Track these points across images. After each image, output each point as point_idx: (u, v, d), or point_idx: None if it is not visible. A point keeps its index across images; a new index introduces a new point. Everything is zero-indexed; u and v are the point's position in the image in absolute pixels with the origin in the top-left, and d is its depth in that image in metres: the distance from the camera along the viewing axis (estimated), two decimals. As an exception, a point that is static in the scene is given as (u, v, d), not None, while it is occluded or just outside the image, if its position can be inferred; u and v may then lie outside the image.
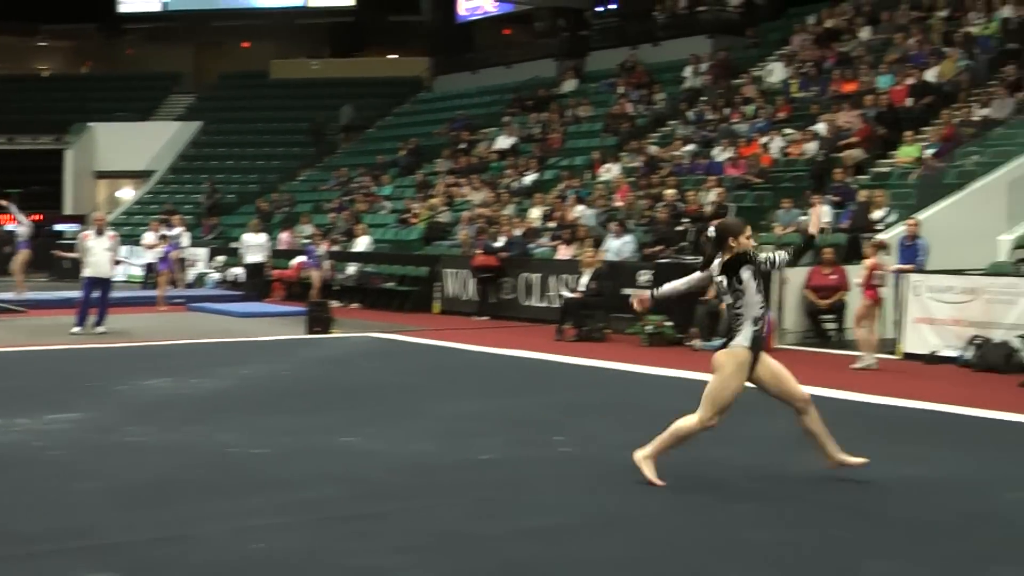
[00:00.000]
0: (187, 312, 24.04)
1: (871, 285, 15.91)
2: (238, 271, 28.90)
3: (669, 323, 18.52)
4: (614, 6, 40.83)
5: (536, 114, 35.03)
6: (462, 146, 35.14)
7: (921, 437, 10.48)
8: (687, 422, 8.29)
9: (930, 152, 22.09)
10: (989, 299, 16.08)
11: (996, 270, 17.34)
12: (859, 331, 15.93)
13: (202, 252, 31.86)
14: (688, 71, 32.68)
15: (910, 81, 25.37)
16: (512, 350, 17.27)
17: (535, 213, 26.53)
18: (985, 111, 23.10)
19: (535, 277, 22.61)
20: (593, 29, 40.21)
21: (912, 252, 17.56)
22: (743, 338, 8.14)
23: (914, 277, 16.98)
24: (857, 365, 15.70)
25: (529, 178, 30.11)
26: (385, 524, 7.23)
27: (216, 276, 30.34)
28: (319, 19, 48.62)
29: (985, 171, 20.73)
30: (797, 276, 18.56)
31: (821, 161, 23.53)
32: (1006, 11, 26.97)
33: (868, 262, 16.15)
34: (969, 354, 15.88)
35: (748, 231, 8.26)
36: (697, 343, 17.92)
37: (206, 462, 8.96)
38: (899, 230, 18.65)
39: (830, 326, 18.55)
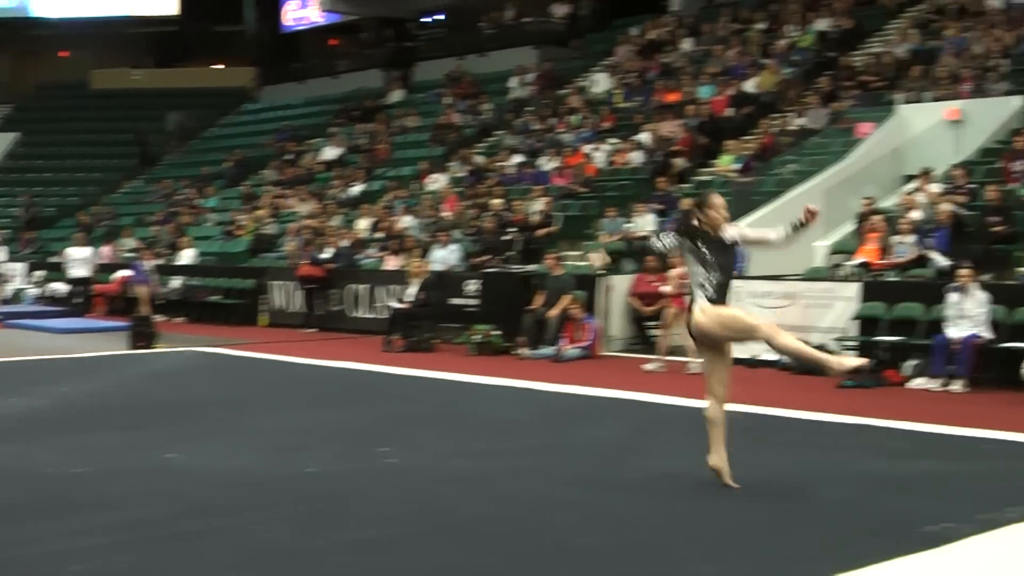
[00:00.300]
0: (4, 329, 23.38)
1: (680, 294, 16.46)
2: (57, 286, 28.22)
3: (497, 332, 18.62)
4: (441, 17, 40.95)
5: (363, 124, 34.90)
6: (288, 157, 34.84)
7: (743, 440, 10.66)
8: (779, 340, 8.43)
9: (736, 166, 22.62)
10: (806, 304, 16.52)
11: (813, 275, 17.79)
12: (669, 337, 16.52)
13: (19, 267, 31.01)
14: (514, 81, 32.90)
15: (730, 92, 25.94)
16: (340, 362, 17.17)
17: (362, 224, 26.44)
18: (801, 121, 23.72)
19: (363, 288, 22.53)
20: (420, 40, 40.29)
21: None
22: (701, 300, 8.40)
23: (735, 283, 17.30)
24: (648, 367, 16.24)
25: (356, 189, 29.99)
26: (211, 541, 7.11)
27: (35, 292, 29.58)
28: (141, 28, 47.65)
29: (802, 179, 21.28)
30: (622, 283, 18.82)
31: (660, 162, 23.95)
32: (821, 24, 27.75)
33: (676, 271, 16.69)
34: (788, 358, 16.27)
35: (712, 202, 8.46)
36: (524, 351, 18.05)
37: (22, 484, 8.69)
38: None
39: (655, 332, 18.81)
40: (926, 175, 19.42)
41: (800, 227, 8.52)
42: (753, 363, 16.69)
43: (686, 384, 14.70)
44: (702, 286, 8.39)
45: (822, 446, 10.42)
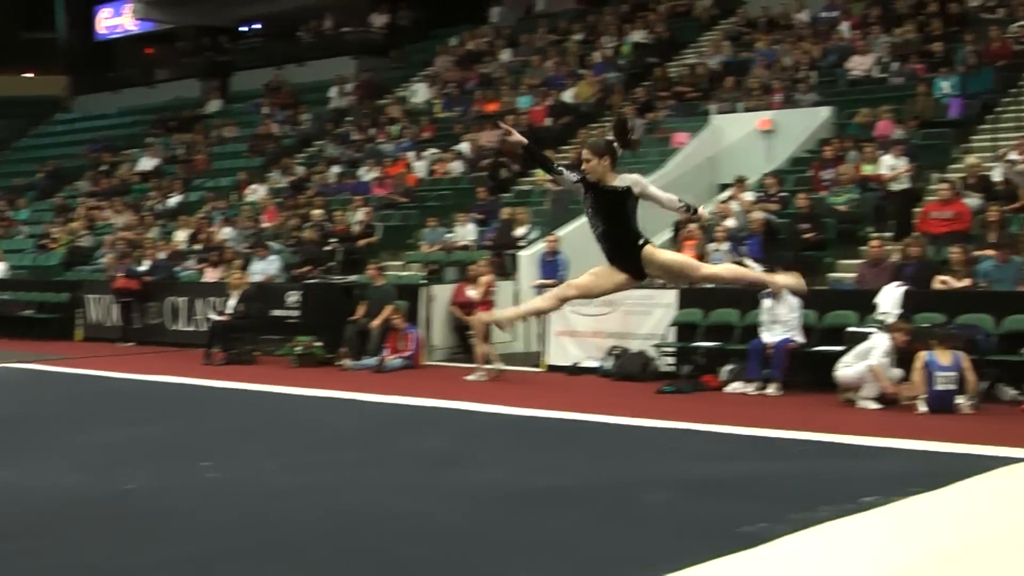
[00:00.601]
0: None
1: (486, 301, 16.67)
2: None
3: (319, 343, 18.48)
4: (258, 26, 40.56)
5: (180, 135, 34.39)
6: (104, 168, 34.11)
7: (562, 447, 10.78)
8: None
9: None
10: (626, 311, 16.71)
11: (632, 283, 17.99)
12: (482, 346, 16.60)
13: None
14: (334, 91, 32.76)
15: (549, 102, 26.19)
16: (159, 376, 16.83)
17: (180, 235, 26.02)
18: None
19: (182, 301, 22.14)
20: (238, 49, 39.85)
21: (553, 267, 18.11)
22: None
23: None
24: (470, 377, 16.46)
25: (174, 200, 29.51)
26: (26, 562, 6.90)
27: None
28: (-55, 34, 46.18)
29: (620, 188, 21.54)
30: (443, 293, 18.82)
31: (486, 170, 24.07)
32: (637, 35, 28.21)
33: (484, 279, 16.89)
34: (608, 364, 16.49)
35: (584, 152, 8.23)
36: (347, 362, 17.94)
37: None
38: (540, 246, 19.18)
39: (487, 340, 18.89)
40: (740, 183, 19.86)
41: (691, 215, 8.48)
42: (574, 370, 16.86)
43: (508, 392, 14.79)
44: (597, 240, 8.32)
45: (641, 451, 10.57)
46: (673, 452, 10.47)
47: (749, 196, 19.45)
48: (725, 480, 8.92)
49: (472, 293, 17.15)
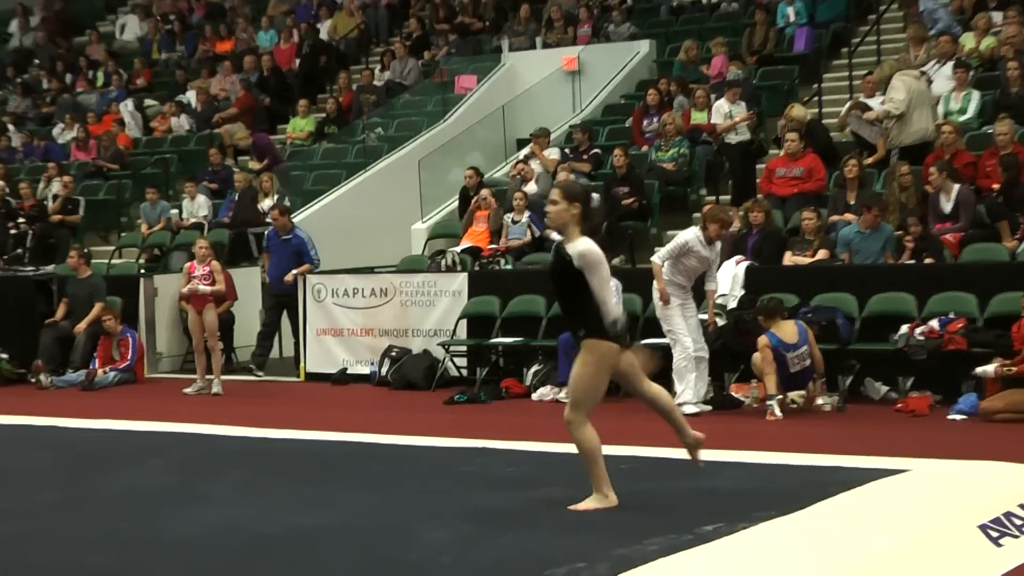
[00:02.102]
0: None
1: (219, 292, 16.79)
2: None
3: (5, 355, 18.03)
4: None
5: None
6: None
7: (324, 477, 10.70)
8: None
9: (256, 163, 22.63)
10: (404, 301, 16.65)
11: (410, 266, 17.90)
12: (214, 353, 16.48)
13: None
14: (14, 26, 32.03)
15: (298, 39, 26.03)
16: None
17: None
18: (388, 74, 24.00)
19: None
20: None
21: (294, 248, 17.51)
22: None
23: (312, 279, 17.22)
24: (189, 390, 16.57)
25: None
26: None
27: None
28: None
29: (391, 147, 21.53)
30: (170, 285, 18.33)
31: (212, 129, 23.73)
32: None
33: (216, 265, 16.84)
34: (384, 369, 16.39)
35: (552, 192, 8.66)
36: (44, 378, 17.54)
37: None
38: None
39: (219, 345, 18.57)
40: (541, 138, 19.92)
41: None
42: (341, 378, 16.74)
43: (256, 410, 14.65)
44: None
45: (425, 478, 10.54)
46: (465, 478, 10.47)
47: (553, 153, 19.59)
48: (529, 510, 8.94)
49: (204, 287, 16.62)
